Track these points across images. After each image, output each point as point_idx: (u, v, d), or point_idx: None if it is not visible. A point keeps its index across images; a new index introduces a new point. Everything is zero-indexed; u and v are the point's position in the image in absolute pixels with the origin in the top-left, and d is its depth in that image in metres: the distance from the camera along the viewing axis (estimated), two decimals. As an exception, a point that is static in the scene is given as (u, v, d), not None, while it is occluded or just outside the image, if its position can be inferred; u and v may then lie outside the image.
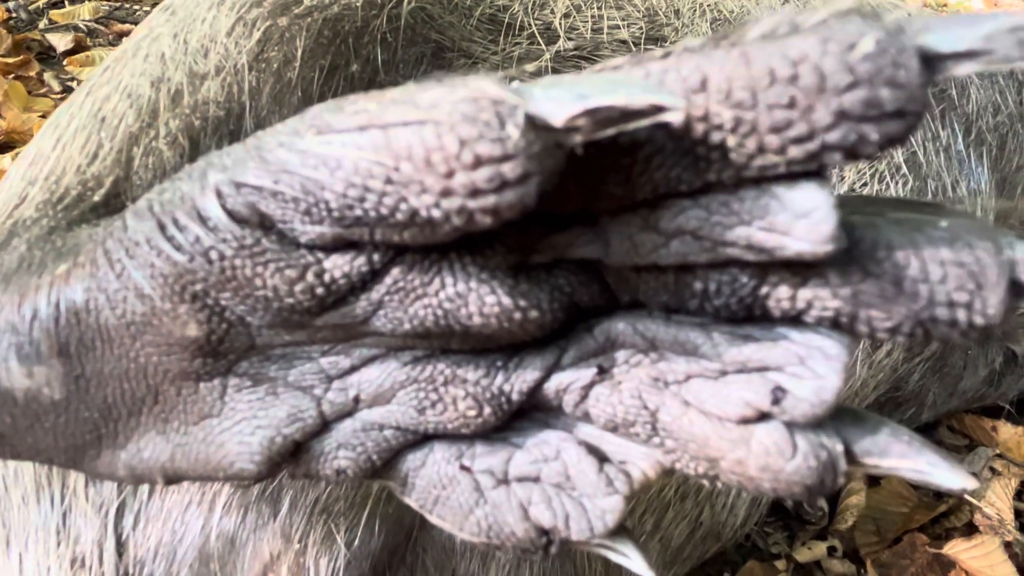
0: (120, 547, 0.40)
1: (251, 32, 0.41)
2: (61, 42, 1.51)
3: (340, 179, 0.19)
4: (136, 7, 1.80)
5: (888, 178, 0.70)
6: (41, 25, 1.60)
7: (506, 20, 0.55)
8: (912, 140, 0.72)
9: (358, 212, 0.19)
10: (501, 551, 0.24)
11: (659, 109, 0.16)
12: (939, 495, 0.82)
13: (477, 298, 0.22)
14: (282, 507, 0.41)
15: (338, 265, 0.22)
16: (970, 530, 0.78)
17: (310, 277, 0.22)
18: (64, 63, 1.45)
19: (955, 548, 0.73)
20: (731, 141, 0.18)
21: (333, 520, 0.41)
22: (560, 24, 0.58)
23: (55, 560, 0.40)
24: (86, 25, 1.63)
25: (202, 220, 0.22)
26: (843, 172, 0.67)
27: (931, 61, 0.17)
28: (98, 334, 0.25)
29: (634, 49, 0.61)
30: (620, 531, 0.24)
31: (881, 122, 0.16)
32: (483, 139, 0.17)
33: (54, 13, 1.64)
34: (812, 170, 0.18)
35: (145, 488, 0.40)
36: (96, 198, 0.34)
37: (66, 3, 1.73)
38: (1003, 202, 0.82)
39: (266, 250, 0.22)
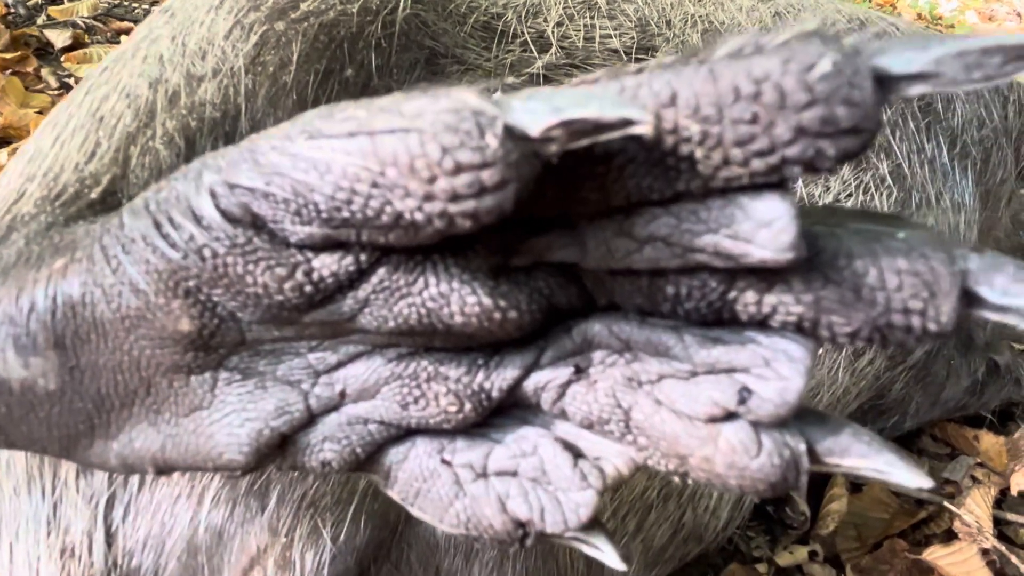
0: (109, 538, 0.40)
1: (248, 36, 0.42)
2: (59, 38, 1.52)
3: (329, 182, 0.20)
4: (135, 4, 1.81)
5: (873, 189, 0.71)
6: (39, 21, 1.60)
7: (499, 28, 0.56)
8: (898, 152, 0.74)
9: (346, 214, 0.20)
10: (479, 543, 0.25)
11: (629, 122, 0.17)
12: (920, 502, 0.83)
13: (459, 298, 0.23)
14: (270, 501, 0.42)
15: (326, 264, 0.23)
16: (949, 537, 0.79)
17: (299, 275, 0.23)
18: (62, 59, 1.46)
19: (934, 554, 0.74)
20: (699, 153, 0.19)
21: (320, 515, 0.42)
22: (553, 33, 0.59)
23: (45, 550, 0.40)
24: (84, 22, 1.64)
25: (196, 219, 0.23)
26: (828, 183, 0.68)
27: (885, 82, 0.18)
28: (93, 327, 0.26)
29: (625, 59, 0.62)
30: (594, 525, 0.25)
31: (837, 138, 0.18)
32: (464, 147, 0.18)
33: (52, 9, 1.65)
34: (774, 182, 0.19)
35: (135, 480, 0.41)
36: (93, 195, 0.35)
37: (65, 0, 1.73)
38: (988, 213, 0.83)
39: (257, 249, 0.23)
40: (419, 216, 0.19)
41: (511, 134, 0.18)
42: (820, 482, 0.82)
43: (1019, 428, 0.94)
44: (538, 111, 0.18)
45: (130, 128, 0.37)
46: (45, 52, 1.51)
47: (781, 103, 0.17)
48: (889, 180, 0.72)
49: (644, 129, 0.17)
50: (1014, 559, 0.75)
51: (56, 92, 1.36)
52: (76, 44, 1.53)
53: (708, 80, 0.18)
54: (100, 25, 1.65)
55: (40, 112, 1.25)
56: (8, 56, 1.39)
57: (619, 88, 0.19)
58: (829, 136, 0.18)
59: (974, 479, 0.88)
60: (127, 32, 1.64)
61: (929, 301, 0.20)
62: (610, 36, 0.63)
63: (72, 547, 0.40)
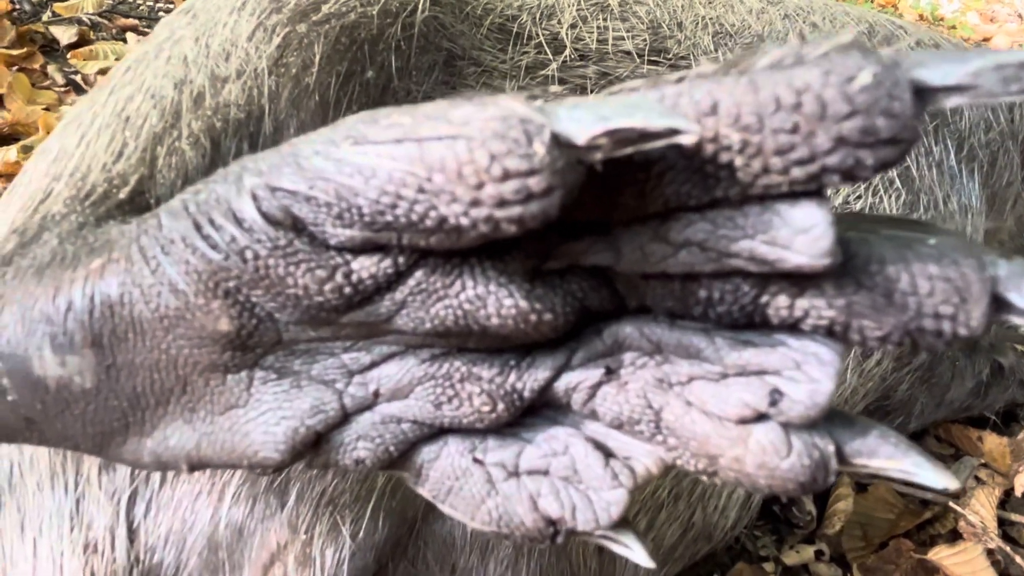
0: (132, 534, 0.41)
1: (271, 38, 0.42)
2: (65, 35, 1.52)
3: (374, 187, 0.20)
4: (139, 1, 1.81)
5: (882, 191, 0.72)
6: (45, 17, 1.60)
7: (515, 30, 0.57)
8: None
9: (389, 218, 0.21)
10: (509, 540, 0.25)
11: (674, 132, 0.17)
12: (925, 502, 0.84)
13: (495, 300, 0.23)
14: (289, 498, 0.42)
15: (365, 266, 0.23)
16: (954, 537, 0.80)
17: (339, 277, 0.23)
18: (68, 56, 1.46)
19: (939, 554, 0.75)
20: (738, 161, 0.19)
21: (339, 512, 0.43)
22: (567, 34, 0.60)
23: (68, 545, 0.41)
24: (90, 18, 1.63)
25: (238, 221, 0.23)
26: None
27: (923, 93, 0.18)
28: (131, 326, 0.26)
29: (638, 60, 0.63)
30: (623, 523, 0.25)
31: (876, 148, 0.18)
32: (512, 154, 0.18)
33: (58, 6, 1.65)
34: (812, 190, 0.19)
35: (156, 477, 0.41)
36: (122, 195, 0.35)
37: (70, -4, 1.73)
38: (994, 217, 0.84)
39: (298, 251, 0.23)
40: (464, 221, 0.20)
41: (558, 142, 0.18)
42: (826, 482, 0.82)
43: (1023, 429, 0.95)
44: (584, 120, 0.18)
45: (156, 128, 0.38)
46: (51, 49, 1.51)
47: (822, 113, 0.18)
48: (898, 182, 0.72)
49: (688, 138, 0.18)
50: (1018, 559, 0.76)
51: (62, 88, 1.36)
52: (82, 41, 1.53)
53: (749, 90, 0.19)
54: (105, 22, 1.65)
55: (47, 109, 1.25)
56: (14, 53, 1.39)
57: (659, 97, 0.20)
58: (868, 146, 0.18)
59: (978, 480, 0.89)
60: (132, 29, 1.64)
61: (960, 306, 0.21)
62: (623, 38, 0.64)
63: (95, 543, 0.41)
